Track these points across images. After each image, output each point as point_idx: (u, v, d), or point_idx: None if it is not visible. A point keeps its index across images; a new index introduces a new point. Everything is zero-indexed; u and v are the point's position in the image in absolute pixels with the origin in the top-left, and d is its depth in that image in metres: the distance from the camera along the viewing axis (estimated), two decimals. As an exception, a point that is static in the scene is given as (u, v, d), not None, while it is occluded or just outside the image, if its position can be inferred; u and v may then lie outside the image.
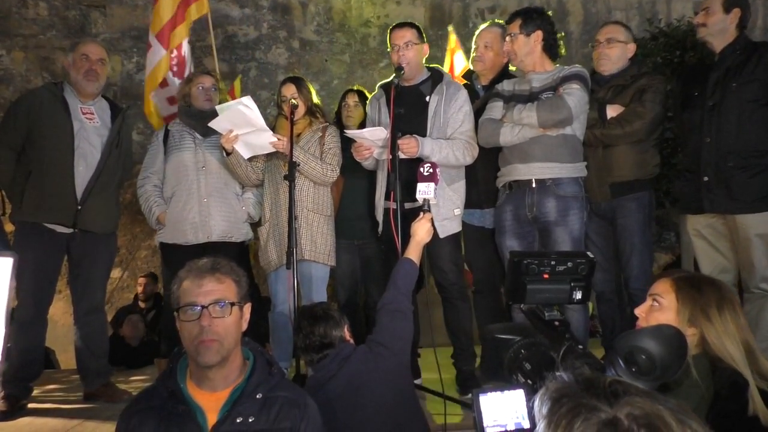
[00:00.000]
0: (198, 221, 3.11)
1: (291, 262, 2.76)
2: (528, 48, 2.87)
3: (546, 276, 1.30)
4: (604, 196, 2.96)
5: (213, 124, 2.95)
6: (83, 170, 2.98)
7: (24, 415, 2.84)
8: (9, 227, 3.19)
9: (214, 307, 1.54)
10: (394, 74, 2.96)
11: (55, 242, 2.98)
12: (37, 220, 2.94)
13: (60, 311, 4.62)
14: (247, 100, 2.87)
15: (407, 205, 2.78)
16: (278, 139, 2.98)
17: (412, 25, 3.04)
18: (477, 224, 3.20)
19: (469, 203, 3.12)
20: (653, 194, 3.08)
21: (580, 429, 0.71)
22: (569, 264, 1.31)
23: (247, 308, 1.66)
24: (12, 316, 3.76)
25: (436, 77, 3.06)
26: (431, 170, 2.45)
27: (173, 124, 3.32)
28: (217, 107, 3.01)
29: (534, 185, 2.83)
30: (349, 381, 1.96)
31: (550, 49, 2.93)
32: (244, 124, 2.91)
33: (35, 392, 3.09)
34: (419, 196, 2.44)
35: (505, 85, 3.01)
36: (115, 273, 5.62)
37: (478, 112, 3.09)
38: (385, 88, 3.13)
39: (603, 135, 2.92)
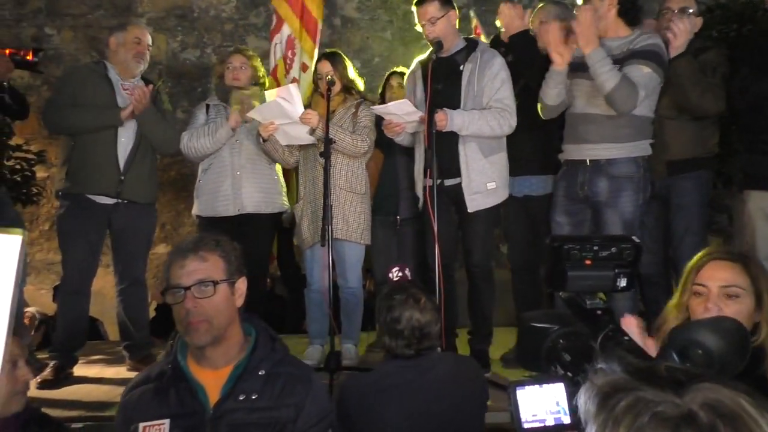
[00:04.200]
0: (231, 194, 3.15)
1: (325, 239, 2.75)
2: (601, 11, 2.66)
3: (588, 262, 1.20)
4: (659, 174, 2.82)
5: (252, 113, 2.99)
6: (125, 141, 3.08)
7: (69, 384, 2.94)
8: (54, 203, 3.29)
9: (198, 288, 1.48)
10: (431, 49, 2.88)
11: (98, 214, 3.06)
12: (82, 190, 3.02)
13: (109, 284, 4.72)
14: (294, 88, 2.88)
15: (447, 182, 2.75)
16: (308, 115, 2.95)
17: None
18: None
19: None
20: (711, 174, 2.92)
21: (651, 427, 0.60)
22: (613, 249, 1.21)
23: (242, 282, 1.58)
24: (55, 290, 3.92)
25: (471, 45, 2.96)
26: None
27: (211, 99, 3.43)
28: (266, 92, 3.05)
29: (588, 164, 2.74)
30: (424, 399, 1.73)
31: (627, 13, 2.71)
32: (282, 116, 2.93)
33: (81, 362, 3.19)
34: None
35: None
36: (161, 248, 5.74)
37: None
38: (422, 61, 3.04)
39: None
